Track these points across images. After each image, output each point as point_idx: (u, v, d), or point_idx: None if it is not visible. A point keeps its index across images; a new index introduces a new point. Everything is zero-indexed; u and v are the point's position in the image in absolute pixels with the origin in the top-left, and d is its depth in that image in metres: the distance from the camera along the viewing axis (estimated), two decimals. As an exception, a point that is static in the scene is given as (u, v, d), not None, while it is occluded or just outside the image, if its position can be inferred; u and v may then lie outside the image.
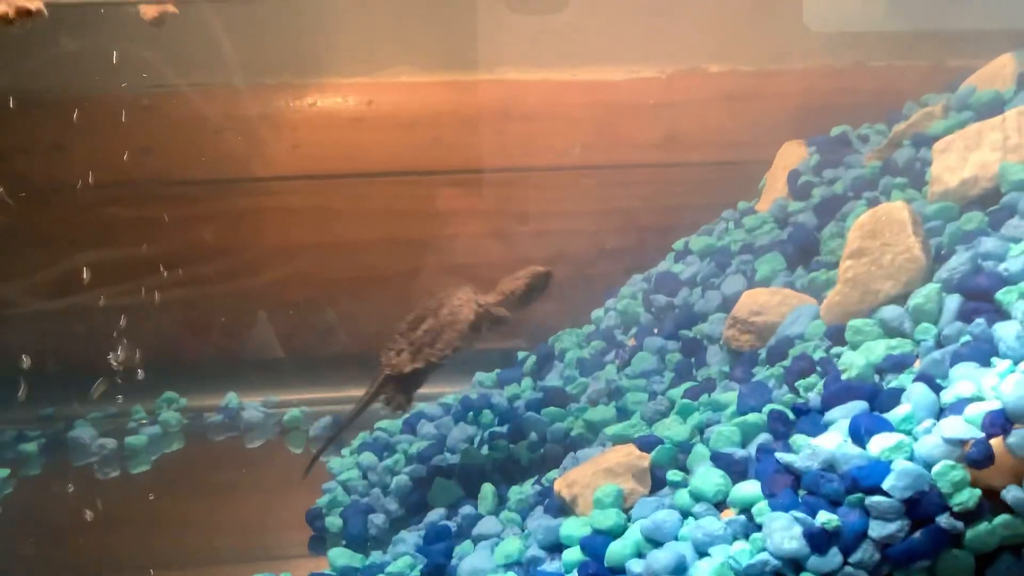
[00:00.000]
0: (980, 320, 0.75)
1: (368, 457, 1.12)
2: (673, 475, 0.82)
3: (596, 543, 0.79)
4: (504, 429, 1.13)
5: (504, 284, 1.06)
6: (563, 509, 0.87)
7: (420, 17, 1.39)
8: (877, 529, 0.68)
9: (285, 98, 1.39)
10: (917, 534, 0.68)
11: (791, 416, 0.80)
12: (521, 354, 1.33)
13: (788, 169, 1.24)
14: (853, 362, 0.79)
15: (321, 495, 1.09)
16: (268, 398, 1.35)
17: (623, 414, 1.05)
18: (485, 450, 1.11)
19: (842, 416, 0.75)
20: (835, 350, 0.86)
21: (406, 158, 1.41)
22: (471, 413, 1.19)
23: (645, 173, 1.44)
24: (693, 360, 1.07)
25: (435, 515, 1.00)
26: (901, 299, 0.86)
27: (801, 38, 1.41)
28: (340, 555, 0.96)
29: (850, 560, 0.69)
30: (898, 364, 0.78)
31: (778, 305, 0.99)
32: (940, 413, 0.71)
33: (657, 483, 0.84)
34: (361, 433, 1.20)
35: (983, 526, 0.68)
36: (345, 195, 1.40)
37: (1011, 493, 0.68)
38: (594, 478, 0.85)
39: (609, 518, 0.80)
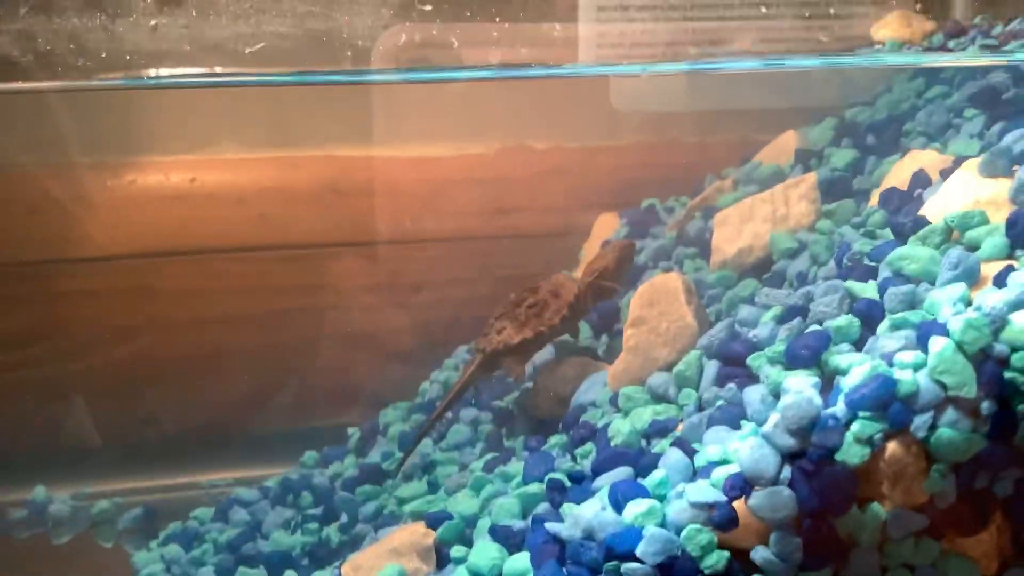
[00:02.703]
0: (732, 385, 0.79)
1: (174, 549, 1.07)
2: (457, 551, 0.82)
3: (374, 628, 0.77)
4: (319, 511, 1.10)
5: (594, 263, 1.08)
6: (351, 593, 0.85)
7: (244, 93, 1.40)
8: (634, 596, 0.69)
9: (103, 177, 1.36)
10: (673, 599, 0.70)
11: (567, 484, 0.81)
12: (350, 430, 1.31)
13: (602, 239, 1.29)
14: (620, 429, 0.82)
15: (122, 593, 1.04)
16: (80, 490, 1.28)
17: (434, 488, 1.04)
18: (299, 534, 1.08)
19: (608, 483, 0.77)
20: (615, 417, 0.88)
21: (232, 234, 1.40)
22: (290, 495, 1.16)
23: (475, 245, 1.47)
24: (503, 431, 1.08)
25: (235, 607, 0.97)
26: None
27: (621, 118, 1.48)
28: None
29: (610, 629, 0.69)
30: (663, 429, 0.81)
31: (577, 374, 1.02)
32: (694, 477, 0.74)
33: (443, 560, 0.83)
34: (171, 523, 1.15)
35: (735, 587, 0.70)
36: (168, 274, 1.37)
37: (759, 553, 0.70)
38: (379, 560, 0.83)
39: (389, 601, 0.78)
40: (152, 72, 1.10)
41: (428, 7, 1.06)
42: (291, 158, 1.42)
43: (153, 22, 0.94)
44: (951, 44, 1.15)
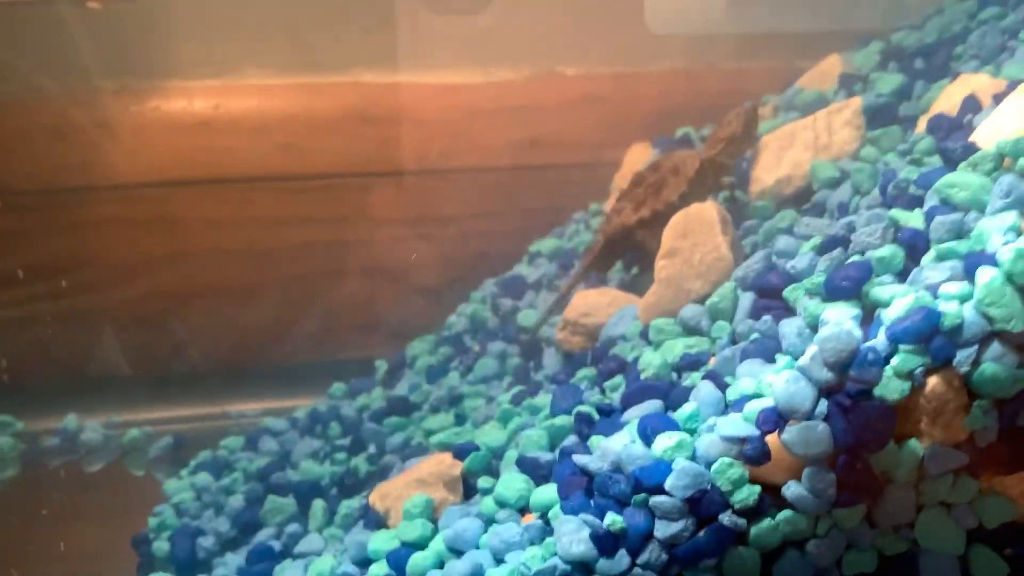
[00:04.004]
0: (767, 317, 0.76)
1: (204, 478, 1.08)
2: (484, 482, 0.82)
3: (401, 556, 0.77)
4: (347, 442, 1.11)
5: (719, 132, 1.03)
6: (379, 522, 0.85)
7: (269, 17, 1.36)
8: (662, 529, 0.68)
9: (125, 102, 1.34)
10: (702, 533, 0.68)
11: (596, 417, 0.80)
12: (378, 362, 1.31)
13: (634, 170, 1.25)
14: (651, 362, 0.80)
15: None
16: (111, 418, 1.30)
17: (461, 421, 1.04)
18: (327, 464, 1.08)
19: (637, 416, 0.75)
20: (645, 350, 0.86)
21: (255, 164, 1.38)
22: (318, 426, 1.16)
23: (505, 176, 1.44)
24: (531, 364, 1.07)
25: (264, 534, 0.98)
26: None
27: (656, 41, 1.42)
28: (159, 581, 0.92)
29: (638, 561, 0.68)
30: (694, 362, 0.79)
31: (607, 306, 0.99)
32: (726, 410, 0.72)
33: (470, 491, 0.83)
34: (201, 452, 1.16)
35: (766, 523, 0.69)
36: (191, 203, 1.35)
37: (791, 489, 0.68)
38: (406, 489, 0.83)
39: (416, 529, 0.78)
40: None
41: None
42: (316, 84, 1.39)
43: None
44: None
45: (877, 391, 0.66)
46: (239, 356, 1.37)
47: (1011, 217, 0.70)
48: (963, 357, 0.66)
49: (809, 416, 0.67)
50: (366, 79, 1.40)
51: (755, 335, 0.77)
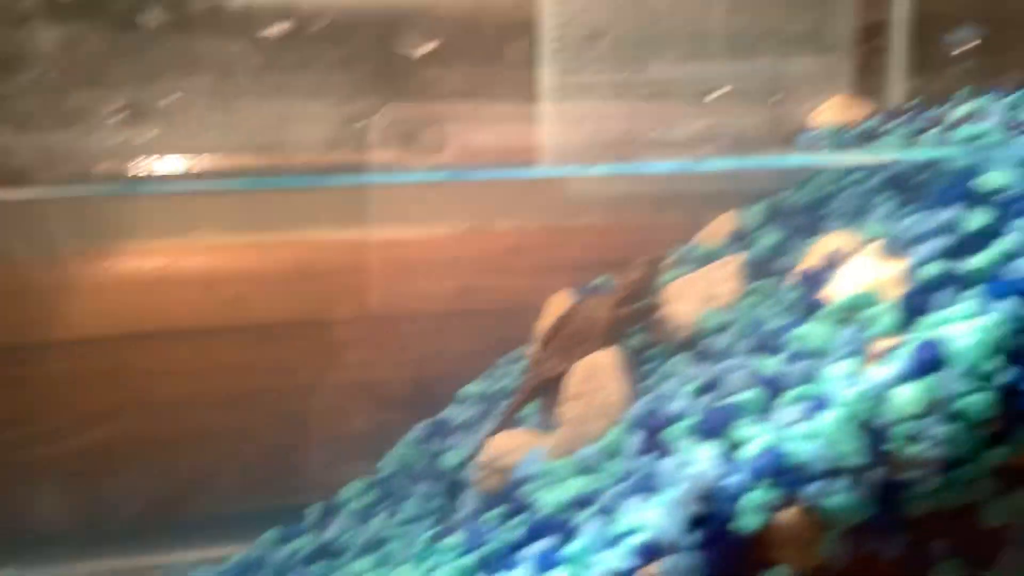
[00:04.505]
0: (651, 455, 0.84)
1: (134, 627, 1.10)
2: (395, 623, 0.86)
3: None
4: (275, 587, 1.14)
5: (624, 279, 1.12)
6: (296, 665, 0.89)
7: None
8: (553, 661, 0.73)
9: (80, 263, 1.42)
10: (591, 663, 0.74)
11: (501, 555, 0.85)
12: (309, 508, 1.35)
13: (554, 318, 1.35)
14: (547, 500, 0.86)
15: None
16: (54, 570, 1.31)
17: (385, 561, 1.07)
18: (255, 611, 1.11)
19: (536, 552, 0.81)
20: (546, 489, 0.93)
21: (208, 316, 1.46)
22: (249, 574, 1.19)
23: (438, 323, 1.53)
24: (454, 504, 1.12)
25: None
26: (610, 438, 0.95)
27: (579, 202, 1.56)
28: None
29: None
30: (587, 500, 0.86)
31: (518, 448, 1.06)
32: (613, 544, 0.78)
33: (384, 632, 0.87)
34: (136, 602, 1.18)
35: (650, 650, 0.74)
36: (141, 355, 1.42)
37: (671, 617, 0.74)
38: (321, 631, 0.87)
39: (327, 671, 0.82)
40: (129, 172, 1.18)
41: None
42: (263, 241, 1.50)
43: (122, 138, 1.02)
44: (889, 126, 1.23)
45: (738, 523, 0.73)
46: (176, 506, 1.40)
47: (852, 364, 0.80)
48: (812, 491, 0.74)
49: (682, 548, 0.74)
50: (310, 236, 1.51)
51: (640, 473, 0.84)
